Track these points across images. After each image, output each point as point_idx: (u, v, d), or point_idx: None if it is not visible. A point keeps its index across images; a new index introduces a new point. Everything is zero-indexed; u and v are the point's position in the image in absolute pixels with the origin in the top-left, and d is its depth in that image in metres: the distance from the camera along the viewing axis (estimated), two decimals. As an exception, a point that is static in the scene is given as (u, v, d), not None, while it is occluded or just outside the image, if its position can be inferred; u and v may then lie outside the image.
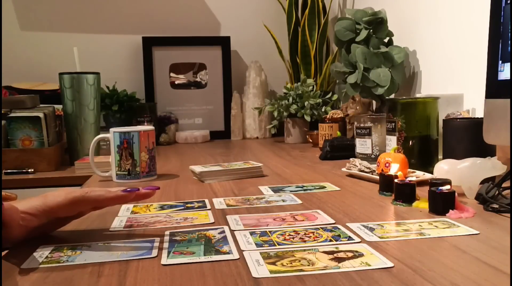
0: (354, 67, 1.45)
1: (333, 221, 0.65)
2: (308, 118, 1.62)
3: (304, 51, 1.87)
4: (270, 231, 0.60)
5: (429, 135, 1.00)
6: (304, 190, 0.87)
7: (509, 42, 0.72)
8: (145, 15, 1.99)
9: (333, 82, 1.86)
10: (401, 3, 1.56)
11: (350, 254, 0.51)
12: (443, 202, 0.67)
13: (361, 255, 0.51)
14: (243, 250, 0.53)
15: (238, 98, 1.94)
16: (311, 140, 1.58)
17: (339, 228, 0.61)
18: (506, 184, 0.73)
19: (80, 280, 0.47)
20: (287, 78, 1.97)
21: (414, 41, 1.48)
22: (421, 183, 0.83)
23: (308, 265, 0.48)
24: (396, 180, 0.75)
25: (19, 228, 0.55)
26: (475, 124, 0.87)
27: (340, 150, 1.24)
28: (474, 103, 1.15)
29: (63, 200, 0.57)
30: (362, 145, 1.16)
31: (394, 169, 0.84)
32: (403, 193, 0.73)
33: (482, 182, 0.74)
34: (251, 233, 0.60)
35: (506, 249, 0.52)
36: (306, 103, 1.63)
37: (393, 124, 1.01)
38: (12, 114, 1.37)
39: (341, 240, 0.56)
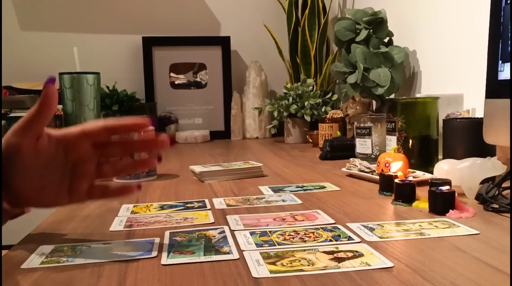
0: (354, 67, 1.45)
1: (333, 221, 0.65)
2: (308, 118, 1.62)
3: (304, 51, 1.87)
4: (270, 231, 0.60)
5: (429, 135, 1.00)
6: (304, 190, 0.87)
7: (509, 42, 0.72)
8: (145, 15, 1.99)
9: (333, 82, 1.86)
10: (401, 3, 1.56)
11: (350, 254, 0.51)
12: (443, 202, 0.67)
13: (361, 255, 0.51)
14: (243, 250, 0.53)
15: (238, 98, 1.94)
16: (311, 140, 1.58)
17: (339, 228, 0.61)
18: (506, 184, 0.73)
19: (80, 280, 0.47)
20: (287, 78, 1.97)
21: (414, 41, 1.48)
22: (421, 183, 0.83)
23: (308, 265, 0.48)
24: (396, 180, 0.75)
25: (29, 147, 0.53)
26: (475, 124, 0.87)
27: (340, 150, 1.24)
28: (474, 103, 1.15)
29: (76, 128, 0.56)
30: (362, 145, 1.16)
31: (394, 169, 0.85)
32: (403, 193, 0.73)
33: (482, 182, 0.74)
34: (251, 233, 0.60)
35: (506, 249, 0.52)
36: (306, 103, 1.63)
37: (393, 124, 1.01)
38: (12, 114, 1.37)
39: (341, 240, 0.56)
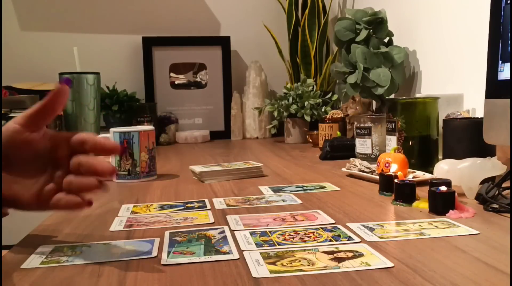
0: (354, 67, 1.45)
1: (333, 221, 0.65)
2: (308, 118, 1.62)
3: (304, 51, 1.87)
4: (270, 231, 0.60)
5: (429, 135, 1.00)
6: (304, 190, 0.87)
7: (509, 42, 0.72)
8: (145, 15, 1.99)
9: (333, 82, 1.86)
10: (401, 3, 1.56)
11: (350, 254, 0.51)
12: (443, 202, 0.67)
13: (361, 255, 0.51)
14: (243, 250, 0.53)
15: (238, 98, 1.94)
16: (311, 140, 1.58)
17: (339, 228, 0.61)
18: (506, 184, 0.73)
19: (80, 280, 0.47)
20: (287, 78, 1.97)
21: (414, 41, 1.48)
22: (421, 183, 0.83)
23: (308, 265, 0.48)
24: (396, 180, 0.75)
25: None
26: (475, 124, 0.87)
27: (340, 150, 1.24)
28: (474, 103, 1.15)
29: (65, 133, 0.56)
30: (362, 145, 1.16)
31: (394, 169, 0.85)
32: (403, 193, 0.73)
33: (482, 182, 0.74)
34: (251, 233, 0.60)
35: (506, 249, 0.52)
36: (306, 103, 1.63)
37: (393, 124, 1.01)
38: (12, 114, 1.37)
39: (341, 240, 0.56)
